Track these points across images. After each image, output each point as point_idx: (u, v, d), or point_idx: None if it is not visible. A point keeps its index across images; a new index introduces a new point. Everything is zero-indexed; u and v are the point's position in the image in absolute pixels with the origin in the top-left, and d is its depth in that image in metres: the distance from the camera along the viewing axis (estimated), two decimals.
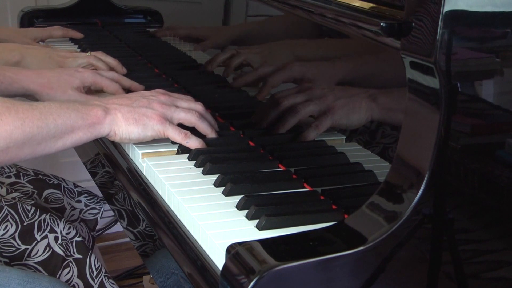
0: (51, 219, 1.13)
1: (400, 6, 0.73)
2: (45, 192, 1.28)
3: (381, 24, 0.71)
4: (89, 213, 1.35)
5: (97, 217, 1.36)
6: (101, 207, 1.37)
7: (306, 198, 0.84)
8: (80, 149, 1.29)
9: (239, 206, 0.80)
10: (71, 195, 1.34)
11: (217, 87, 1.24)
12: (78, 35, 1.60)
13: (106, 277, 1.11)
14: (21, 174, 1.29)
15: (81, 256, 1.11)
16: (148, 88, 1.17)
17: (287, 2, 0.96)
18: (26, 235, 1.10)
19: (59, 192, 1.31)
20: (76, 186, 1.37)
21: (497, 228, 0.75)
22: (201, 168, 0.91)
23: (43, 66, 1.21)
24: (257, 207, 0.78)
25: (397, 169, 0.71)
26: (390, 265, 0.68)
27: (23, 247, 1.09)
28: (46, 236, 1.11)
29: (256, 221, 0.76)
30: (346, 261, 0.65)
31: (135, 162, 0.98)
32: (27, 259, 1.09)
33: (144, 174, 0.95)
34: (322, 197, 0.84)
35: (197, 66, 1.38)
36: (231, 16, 1.31)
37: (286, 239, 0.68)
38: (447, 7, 0.65)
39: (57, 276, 1.09)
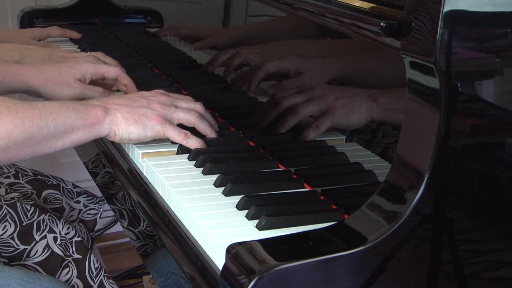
0: (50, 219, 1.13)
1: (400, 6, 0.73)
2: (44, 193, 1.28)
3: (381, 24, 0.71)
4: (88, 214, 1.35)
5: (96, 218, 1.36)
6: (100, 208, 1.37)
7: (306, 198, 0.84)
8: (80, 149, 1.29)
9: (239, 206, 0.80)
10: (70, 196, 1.34)
11: (217, 87, 1.24)
12: (76, 35, 1.60)
13: (105, 277, 1.11)
14: (20, 174, 1.29)
15: (80, 256, 1.11)
16: (148, 88, 1.17)
17: (287, 2, 0.96)
18: (25, 235, 1.10)
19: (58, 192, 1.31)
20: (75, 186, 1.37)
21: (497, 228, 0.75)
22: (201, 168, 0.91)
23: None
24: (257, 207, 0.78)
25: (397, 169, 0.71)
26: (390, 265, 0.68)
27: (22, 247, 1.09)
28: (45, 236, 1.11)
29: (256, 221, 0.76)
30: (346, 261, 0.65)
31: (135, 162, 0.98)
32: (26, 259, 1.09)
33: (144, 174, 0.95)
34: (322, 197, 0.84)
35: (197, 66, 1.38)
36: (231, 16, 1.31)
37: (286, 239, 0.68)
38: (447, 7, 0.65)
39: (56, 276, 1.09)
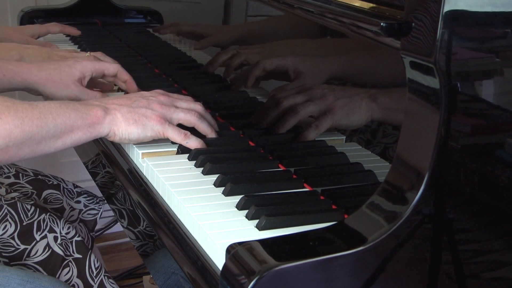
0: (51, 219, 1.13)
1: (400, 6, 0.73)
2: (45, 193, 1.28)
3: (381, 24, 0.71)
4: (88, 214, 1.35)
5: (96, 218, 1.36)
6: (100, 208, 1.37)
7: (306, 198, 0.84)
8: (80, 149, 1.29)
9: (239, 206, 0.80)
10: (71, 196, 1.34)
11: (217, 87, 1.24)
12: (75, 32, 1.60)
13: (106, 277, 1.11)
14: (20, 174, 1.29)
15: (80, 256, 1.11)
16: (148, 88, 1.17)
17: (287, 2, 0.96)
18: (26, 235, 1.10)
19: (58, 192, 1.31)
20: (75, 186, 1.37)
21: (497, 228, 0.75)
22: (201, 168, 0.91)
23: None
24: (257, 207, 0.78)
25: (397, 169, 0.71)
26: (390, 265, 0.68)
27: (22, 247, 1.09)
28: (45, 236, 1.11)
29: (256, 221, 0.76)
30: (346, 261, 0.65)
31: (135, 162, 0.98)
32: (27, 259, 1.09)
33: (144, 174, 0.95)
34: (322, 197, 0.84)
35: (197, 66, 1.38)
36: (231, 16, 1.31)
37: (286, 239, 0.68)
38: (447, 7, 0.65)
39: (57, 276, 1.09)
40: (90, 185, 1.31)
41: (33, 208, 1.13)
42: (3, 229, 1.09)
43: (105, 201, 1.25)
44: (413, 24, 0.68)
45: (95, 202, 1.36)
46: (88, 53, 1.25)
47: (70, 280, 1.09)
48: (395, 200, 0.69)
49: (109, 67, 1.13)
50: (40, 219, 1.12)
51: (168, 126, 0.94)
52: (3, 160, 0.84)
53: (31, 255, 1.09)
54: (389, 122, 0.88)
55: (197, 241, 0.77)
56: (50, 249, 1.10)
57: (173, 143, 0.98)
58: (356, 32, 0.80)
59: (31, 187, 1.27)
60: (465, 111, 0.70)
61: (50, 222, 1.13)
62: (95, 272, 1.11)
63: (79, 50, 1.53)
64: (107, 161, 1.07)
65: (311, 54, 1.05)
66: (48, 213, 1.15)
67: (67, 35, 1.65)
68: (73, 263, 1.10)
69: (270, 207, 0.78)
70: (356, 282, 0.67)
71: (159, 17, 1.66)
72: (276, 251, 0.65)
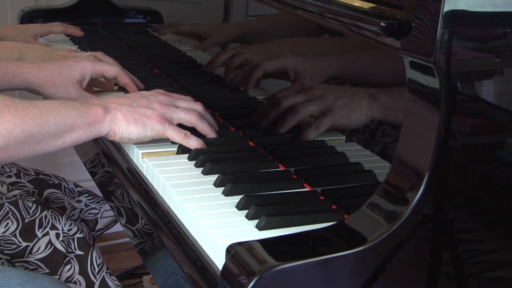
0: (52, 216, 1.13)
1: (400, 6, 0.73)
2: (46, 192, 1.28)
3: (381, 24, 0.71)
4: (89, 213, 1.35)
5: (97, 217, 1.36)
6: (101, 207, 1.37)
7: (306, 198, 0.84)
8: (80, 149, 1.29)
9: (239, 206, 0.80)
10: (72, 195, 1.34)
11: (217, 87, 1.24)
12: (78, 32, 1.59)
13: (107, 274, 1.11)
14: (21, 173, 1.29)
15: (82, 253, 1.11)
16: (148, 88, 1.17)
17: (287, 2, 0.96)
18: (27, 232, 1.10)
19: (59, 192, 1.31)
20: (76, 186, 1.37)
21: (497, 228, 0.75)
22: (201, 168, 0.91)
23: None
24: (257, 207, 0.78)
25: (397, 169, 0.71)
26: (390, 265, 0.68)
27: (24, 244, 1.09)
28: (47, 233, 1.11)
29: (256, 221, 0.76)
30: (346, 261, 0.65)
31: (135, 162, 0.98)
32: (29, 256, 1.09)
33: (144, 174, 0.95)
34: (322, 197, 0.84)
35: (197, 66, 1.38)
36: (231, 16, 1.31)
37: (286, 239, 0.68)
38: (447, 7, 0.65)
39: (59, 273, 1.09)
40: (91, 185, 1.31)
41: (34, 205, 1.13)
42: (5, 226, 1.09)
43: (105, 199, 1.25)
44: (413, 24, 0.68)
45: (96, 201, 1.36)
46: (88, 53, 1.25)
47: (72, 277, 1.09)
48: (395, 200, 0.69)
49: (109, 69, 1.13)
50: (42, 216, 1.12)
51: (168, 126, 0.94)
52: (3, 159, 0.84)
53: (33, 252, 1.09)
54: (389, 121, 0.88)
55: (197, 241, 0.77)
56: (52, 246, 1.10)
57: (173, 143, 0.98)
58: (356, 32, 0.80)
59: (32, 186, 1.27)
60: (465, 111, 0.70)
61: (52, 219, 1.13)
62: (97, 269, 1.11)
63: (79, 50, 1.53)
64: (107, 160, 1.07)
65: (311, 53, 1.05)
66: (50, 210, 1.15)
67: (67, 35, 1.65)
68: (75, 260, 1.10)
69: (270, 207, 0.78)
70: (356, 282, 0.67)
71: (159, 17, 1.66)
72: (276, 251, 0.65)
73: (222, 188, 0.85)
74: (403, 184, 0.69)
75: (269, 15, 1.17)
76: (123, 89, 1.20)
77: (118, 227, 2.02)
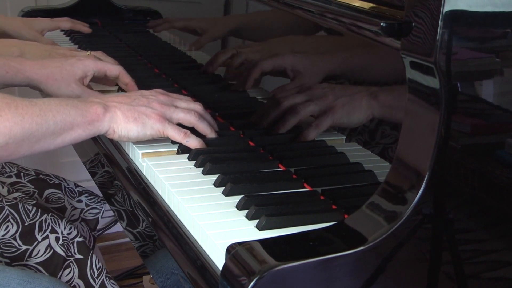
0: (52, 219, 1.13)
1: (400, 6, 0.73)
2: (46, 192, 1.28)
3: (381, 24, 0.71)
4: (89, 213, 1.35)
5: (98, 217, 1.36)
6: (102, 207, 1.37)
7: (306, 198, 0.84)
8: (80, 149, 1.29)
9: (239, 206, 0.80)
10: (72, 195, 1.34)
11: (217, 87, 1.24)
12: (86, 29, 1.59)
13: (107, 278, 1.11)
14: (22, 173, 1.29)
15: (82, 257, 1.11)
16: (148, 88, 1.17)
17: (287, 2, 0.96)
18: (27, 235, 1.10)
19: (60, 192, 1.31)
20: (76, 186, 1.37)
21: (497, 228, 0.75)
22: (201, 168, 0.91)
23: None
24: (257, 207, 0.78)
25: (397, 169, 0.71)
26: (390, 265, 0.68)
27: (24, 247, 1.09)
28: (47, 237, 1.11)
29: (256, 221, 0.76)
30: (346, 261, 0.65)
31: (135, 162, 0.98)
32: (28, 259, 1.09)
33: (144, 174, 0.95)
34: (322, 197, 0.84)
35: (197, 66, 1.38)
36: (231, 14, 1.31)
37: (286, 239, 0.68)
38: (447, 7, 0.65)
39: (58, 277, 1.09)
40: (92, 185, 1.31)
41: (34, 208, 1.13)
42: (5, 229, 1.09)
43: (107, 203, 1.25)
44: (413, 24, 0.68)
45: (97, 201, 1.36)
46: (88, 52, 1.25)
47: (71, 281, 1.09)
48: (395, 200, 0.69)
49: (111, 68, 1.13)
50: (42, 220, 1.12)
51: (168, 125, 0.94)
52: (3, 157, 0.84)
53: (32, 255, 1.09)
54: (390, 120, 0.88)
55: (197, 241, 0.77)
56: (52, 250, 1.10)
57: (173, 142, 0.98)
58: (356, 32, 0.80)
59: (32, 187, 1.27)
60: (465, 111, 0.70)
61: (51, 222, 1.13)
62: (96, 273, 1.11)
63: (79, 50, 1.53)
64: (107, 160, 1.07)
65: (310, 51, 1.05)
66: (50, 214, 1.15)
67: (67, 35, 1.65)
68: (74, 263, 1.10)
69: (270, 207, 0.78)
70: (356, 282, 0.67)
71: (159, 17, 1.66)
72: (276, 251, 0.65)
73: (222, 188, 0.85)
74: (403, 184, 0.69)
75: (266, 10, 1.17)
76: (122, 91, 1.20)
77: (118, 227, 2.02)
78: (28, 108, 0.84)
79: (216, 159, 0.91)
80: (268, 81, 1.14)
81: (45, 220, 1.12)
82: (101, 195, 1.29)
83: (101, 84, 1.21)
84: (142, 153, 0.96)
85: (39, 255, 1.09)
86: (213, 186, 0.86)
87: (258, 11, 1.20)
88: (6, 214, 1.10)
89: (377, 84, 0.90)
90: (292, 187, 0.86)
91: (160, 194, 0.88)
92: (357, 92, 0.92)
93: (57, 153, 2.22)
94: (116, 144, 1.04)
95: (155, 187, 0.91)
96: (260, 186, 0.85)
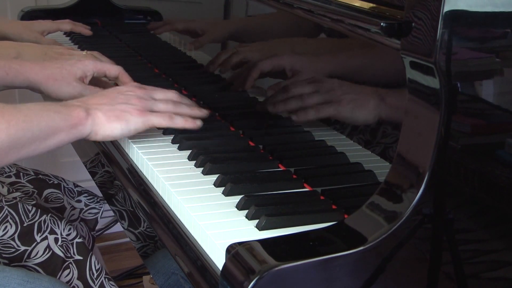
0: (51, 220, 1.13)
1: (400, 6, 0.73)
2: (45, 192, 1.28)
3: (381, 24, 0.71)
4: (89, 213, 1.35)
5: (97, 217, 1.36)
6: (101, 207, 1.37)
7: (306, 198, 0.84)
8: (80, 149, 1.29)
9: (239, 206, 0.80)
10: (71, 195, 1.34)
11: (217, 87, 1.24)
12: (87, 31, 1.59)
13: (106, 279, 1.11)
14: (21, 173, 1.29)
15: (81, 258, 1.11)
16: None
17: (287, 2, 0.96)
18: (26, 236, 1.10)
19: (59, 191, 1.31)
20: (76, 186, 1.37)
21: (497, 228, 0.75)
22: (201, 168, 0.91)
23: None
24: (257, 207, 0.78)
25: (397, 169, 0.71)
26: (390, 265, 0.68)
27: (22, 248, 1.09)
28: (46, 237, 1.11)
29: (256, 221, 0.76)
30: (346, 261, 0.65)
31: (135, 162, 0.98)
32: (27, 260, 1.09)
33: (144, 174, 0.95)
34: (322, 197, 0.84)
35: (197, 66, 1.38)
36: (231, 16, 1.31)
37: (286, 239, 0.68)
38: (447, 7, 0.65)
39: (57, 278, 1.09)
40: (91, 185, 1.31)
41: (34, 209, 1.13)
42: (4, 230, 1.09)
43: (106, 201, 1.25)
44: (413, 24, 0.68)
45: (96, 201, 1.36)
46: (85, 52, 1.25)
47: (71, 282, 1.09)
48: (395, 200, 0.69)
49: (111, 68, 1.14)
50: (41, 220, 1.12)
51: (151, 115, 0.95)
52: None
53: (31, 256, 1.09)
54: (397, 121, 0.87)
55: (197, 241, 0.77)
56: (51, 251, 1.10)
57: (173, 142, 0.98)
58: (356, 32, 0.80)
59: (32, 186, 1.27)
60: (465, 111, 0.70)
61: (51, 223, 1.12)
62: (95, 274, 1.11)
63: (78, 49, 1.53)
64: (107, 160, 1.07)
65: (309, 52, 1.05)
66: (49, 214, 1.14)
67: (67, 35, 1.65)
68: (73, 264, 1.10)
69: (270, 207, 0.78)
70: (356, 282, 0.67)
71: (159, 17, 1.66)
72: (276, 251, 0.65)
73: (222, 188, 0.85)
74: (403, 184, 0.69)
75: (266, 13, 1.17)
76: None
77: (118, 227, 2.03)
78: (13, 115, 0.84)
79: (216, 159, 0.91)
80: (268, 82, 1.14)
81: (44, 221, 1.12)
82: (100, 195, 1.29)
83: (100, 87, 1.21)
84: (142, 152, 0.96)
85: (38, 256, 1.09)
86: (213, 186, 0.86)
87: (259, 15, 1.21)
88: (5, 214, 1.10)
89: (376, 85, 0.90)
90: (292, 187, 0.86)
91: (160, 194, 0.88)
92: (366, 91, 0.91)
93: (57, 153, 2.22)
94: (116, 144, 1.04)
95: (155, 187, 0.91)
96: (260, 186, 0.85)
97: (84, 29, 1.59)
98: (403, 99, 0.84)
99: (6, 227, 1.09)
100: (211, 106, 1.14)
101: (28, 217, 1.11)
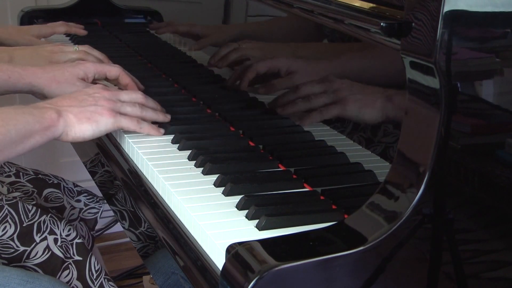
0: (51, 221, 1.13)
1: (400, 6, 0.73)
2: (45, 191, 1.28)
3: (381, 24, 0.71)
4: (88, 213, 1.35)
5: (97, 217, 1.36)
6: (101, 207, 1.37)
7: (306, 198, 0.84)
8: (80, 149, 1.29)
9: (239, 206, 0.80)
10: (71, 195, 1.34)
11: (217, 87, 1.24)
12: (82, 31, 1.59)
13: (106, 280, 1.11)
14: (20, 173, 1.29)
15: (81, 258, 1.11)
16: (148, 88, 1.17)
17: (287, 2, 0.96)
18: (25, 236, 1.10)
19: (59, 191, 1.31)
20: (75, 185, 1.37)
21: (497, 228, 0.75)
22: (201, 168, 0.91)
23: (33, 63, 1.22)
24: (257, 207, 0.78)
25: (397, 169, 0.71)
26: (390, 265, 0.68)
27: (22, 248, 1.09)
28: (45, 238, 1.10)
29: (256, 221, 0.76)
30: (346, 261, 0.65)
31: (135, 162, 0.98)
32: (26, 260, 1.08)
33: (144, 174, 0.95)
34: (322, 197, 0.84)
35: (197, 66, 1.38)
36: (231, 16, 1.31)
37: (286, 239, 0.68)
38: (447, 7, 0.65)
39: (57, 278, 1.09)
40: (90, 185, 1.31)
41: (34, 208, 1.13)
42: (3, 230, 1.08)
43: (105, 201, 1.25)
44: (413, 24, 0.68)
45: (95, 201, 1.36)
46: (76, 47, 1.26)
47: (70, 283, 1.09)
48: (395, 200, 0.69)
49: (111, 69, 1.15)
50: (40, 221, 1.12)
51: (120, 117, 0.98)
52: None
53: (30, 257, 1.09)
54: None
55: (197, 241, 0.77)
56: (50, 251, 1.10)
57: (173, 142, 0.98)
58: (356, 32, 0.80)
59: (31, 186, 1.27)
60: (465, 111, 0.70)
61: (50, 224, 1.12)
62: (95, 275, 1.10)
63: (66, 44, 1.52)
64: (107, 161, 1.07)
65: (306, 56, 1.05)
66: (49, 215, 1.14)
67: (67, 35, 1.64)
68: (73, 265, 1.10)
69: (270, 207, 0.78)
70: (356, 282, 0.67)
71: (159, 17, 1.66)
72: (276, 251, 0.65)
73: (222, 188, 0.85)
74: (403, 184, 0.69)
75: (268, 20, 1.17)
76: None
77: (118, 227, 2.03)
78: None
79: (216, 159, 0.91)
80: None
81: (44, 221, 1.12)
82: (100, 195, 1.29)
83: None
84: (142, 153, 0.96)
85: (37, 256, 1.09)
86: (213, 186, 0.86)
87: (260, 21, 1.21)
88: (4, 214, 1.10)
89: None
90: (292, 187, 0.86)
91: (160, 194, 0.88)
92: (373, 92, 0.92)
93: (56, 153, 2.22)
94: (116, 144, 1.04)
95: (155, 187, 0.91)
96: (260, 186, 0.85)
97: (78, 30, 1.59)
98: None
99: (5, 227, 1.09)
100: (211, 106, 1.14)
101: (27, 217, 1.11)
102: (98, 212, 1.36)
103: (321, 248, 0.66)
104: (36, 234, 1.10)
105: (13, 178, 1.27)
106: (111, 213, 1.72)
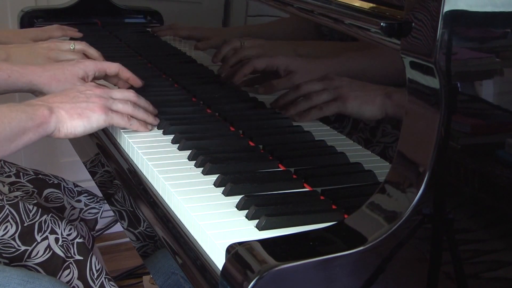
0: (52, 220, 1.13)
1: (400, 6, 0.73)
2: (45, 192, 1.28)
3: (381, 24, 0.71)
4: (88, 213, 1.35)
5: (97, 217, 1.36)
6: (101, 207, 1.37)
7: (306, 198, 0.84)
8: (80, 149, 1.29)
9: (239, 206, 0.80)
10: (71, 195, 1.34)
11: (217, 87, 1.24)
12: (77, 34, 1.59)
13: (106, 279, 1.11)
14: (21, 173, 1.29)
15: (81, 258, 1.11)
16: (148, 88, 1.17)
17: (287, 2, 0.96)
18: (26, 236, 1.10)
19: (59, 191, 1.31)
20: (76, 185, 1.37)
21: (497, 228, 0.75)
22: (201, 168, 0.91)
23: (30, 61, 1.22)
24: (257, 207, 0.78)
25: (397, 169, 0.71)
26: (390, 265, 0.68)
27: (23, 248, 1.09)
28: (46, 237, 1.11)
29: (256, 221, 0.76)
30: (346, 261, 0.65)
31: (135, 162, 0.98)
32: (27, 260, 1.09)
33: (144, 174, 0.95)
34: (322, 197, 0.84)
35: (197, 66, 1.38)
36: (231, 16, 1.31)
37: (286, 239, 0.68)
38: (447, 7, 0.65)
39: (57, 278, 1.09)
40: (91, 185, 1.31)
41: (35, 208, 1.13)
42: (4, 229, 1.09)
43: (106, 201, 1.25)
44: (413, 24, 0.68)
45: (96, 201, 1.36)
46: (72, 44, 1.26)
47: (71, 282, 1.09)
48: (395, 200, 0.69)
49: (111, 66, 1.16)
50: (41, 220, 1.12)
51: (112, 113, 0.99)
52: None
53: (31, 256, 1.09)
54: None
55: (197, 241, 0.77)
56: (51, 251, 1.10)
57: (173, 142, 0.98)
58: (356, 32, 0.80)
59: (32, 186, 1.27)
60: (465, 111, 0.70)
61: (51, 223, 1.12)
62: (95, 274, 1.11)
63: (62, 41, 1.51)
64: (107, 161, 1.07)
65: (306, 55, 1.05)
66: (50, 214, 1.14)
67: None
68: (74, 264, 1.10)
69: (270, 207, 0.78)
70: (356, 282, 0.67)
71: (159, 17, 1.66)
72: (276, 251, 0.65)
73: (222, 188, 0.85)
74: (403, 184, 0.69)
75: (268, 22, 1.17)
76: None
77: (118, 227, 2.03)
78: None
79: (216, 159, 0.91)
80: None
81: (45, 221, 1.12)
82: (100, 195, 1.30)
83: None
84: (142, 153, 0.96)
85: (39, 255, 1.09)
86: (213, 186, 0.86)
87: (262, 24, 1.21)
88: (5, 213, 1.10)
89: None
90: (292, 187, 0.86)
91: (160, 194, 0.88)
92: (374, 89, 0.92)
93: (56, 153, 2.22)
94: (116, 144, 1.04)
95: (155, 187, 0.91)
96: (260, 186, 0.85)
97: (73, 33, 1.60)
98: None
99: (6, 226, 1.09)
100: (211, 106, 1.14)
101: (28, 217, 1.11)
102: (98, 212, 1.36)
103: (321, 248, 0.66)
104: (37, 234, 1.10)
105: (13, 178, 1.27)
106: (111, 213, 1.72)
